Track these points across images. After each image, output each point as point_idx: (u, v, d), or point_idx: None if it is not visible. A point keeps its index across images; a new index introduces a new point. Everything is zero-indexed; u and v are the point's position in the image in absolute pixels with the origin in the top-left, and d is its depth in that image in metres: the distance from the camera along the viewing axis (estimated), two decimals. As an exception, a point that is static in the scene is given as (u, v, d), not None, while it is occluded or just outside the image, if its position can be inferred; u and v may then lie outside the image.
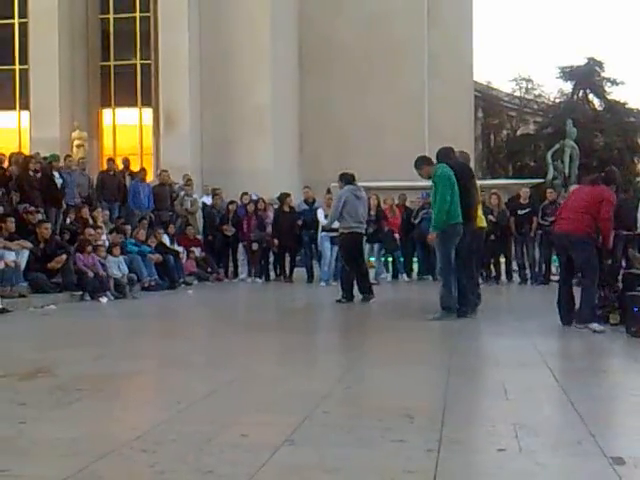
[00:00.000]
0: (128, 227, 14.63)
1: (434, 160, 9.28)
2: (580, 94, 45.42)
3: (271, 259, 16.80)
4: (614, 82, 45.30)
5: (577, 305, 8.27)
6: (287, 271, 16.49)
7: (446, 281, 8.87)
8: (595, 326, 7.82)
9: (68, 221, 14.19)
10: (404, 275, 16.78)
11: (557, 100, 47.12)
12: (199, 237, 17.08)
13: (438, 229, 8.80)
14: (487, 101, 45.19)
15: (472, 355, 6.64)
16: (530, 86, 48.80)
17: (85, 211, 14.20)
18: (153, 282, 13.70)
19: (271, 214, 16.66)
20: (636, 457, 3.34)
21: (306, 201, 16.70)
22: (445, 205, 8.71)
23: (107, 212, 15.21)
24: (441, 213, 8.73)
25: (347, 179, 11.53)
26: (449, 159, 9.19)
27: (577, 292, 8.33)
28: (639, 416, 4.25)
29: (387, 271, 16.92)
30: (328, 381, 5.09)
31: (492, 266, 16.08)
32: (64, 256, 11.80)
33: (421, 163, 9.25)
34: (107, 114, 28.50)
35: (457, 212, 8.82)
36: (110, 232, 14.28)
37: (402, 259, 16.80)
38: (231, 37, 26.53)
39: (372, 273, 15.82)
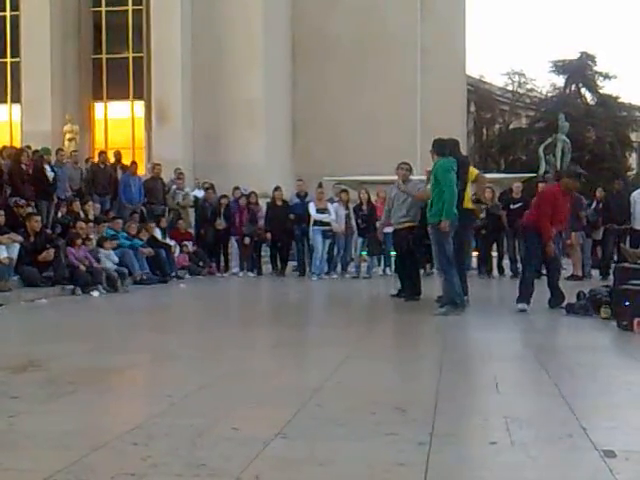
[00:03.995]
0: (120, 221, 14.59)
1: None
2: (572, 88, 45.51)
3: (267, 253, 16.77)
4: (606, 76, 45.42)
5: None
6: (279, 265, 16.49)
7: (448, 275, 8.79)
8: (519, 306, 8.89)
9: (60, 215, 14.15)
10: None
11: (549, 94, 47.20)
12: (191, 231, 17.05)
13: (449, 218, 8.71)
14: (479, 95, 45.23)
15: (464, 349, 6.66)
16: (522, 80, 48.93)
17: (76, 204, 14.17)
18: (145, 276, 13.67)
19: (263, 208, 16.65)
20: (627, 450, 3.35)
21: (298, 194, 16.69)
22: (453, 197, 8.67)
23: (98, 205, 15.18)
24: (451, 204, 8.68)
25: None
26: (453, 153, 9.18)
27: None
28: (630, 409, 4.27)
29: (378, 264, 16.84)
30: (320, 375, 5.09)
31: (484, 260, 16.13)
32: (52, 251, 11.75)
33: (437, 148, 9.09)
34: (99, 107, 28.41)
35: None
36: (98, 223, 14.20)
37: (393, 252, 16.65)
38: (223, 30, 26.47)
39: (364, 267, 15.86)
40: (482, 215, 13.91)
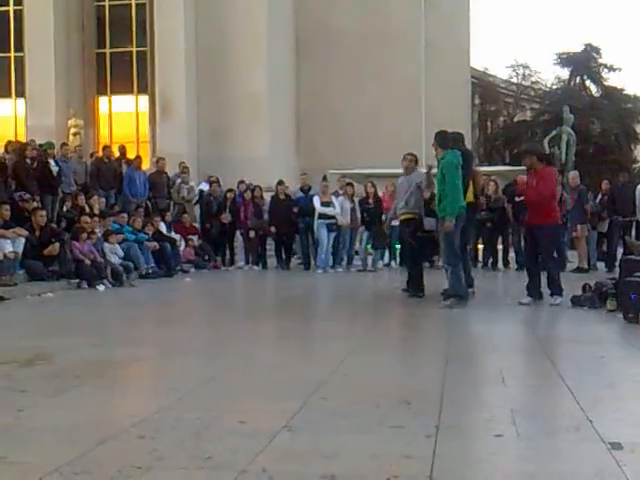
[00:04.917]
0: (125, 215, 14.60)
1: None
2: (577, 80, 45.31)
3: (271, 247, 16.74)
4: (611, 68, 45.17)
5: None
6: (284, 258, 16.47)
7: (455, 269, 8.80)
8: (522, 300, 8.99)
9: (65, 209, 14.16)
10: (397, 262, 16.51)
11: (554, 86, 46.97)
12: (195, 225, 17.05)
13: (453, 216, 8.70)
14: (484, 88, 45.04)
15: (469, 341, 6.66)
16: (527, 73, 48.63)
17: (81, 199, 14.16)
18: (150, 270, 13.69)
19: (268, 202, 16.61)
20: (633, 442, 3.35)
21: (302, 188, 16.66)
22: (458, 193, 8.66)
23: (103, 200, 15.18)
24: (455, 200, 8.66)
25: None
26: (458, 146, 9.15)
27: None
28: (637, 401, 4.26)
29: (382, 258, 16.76)
30: (326, 368, 5.10)
31: (489, 252, 16.10)
32: (57, 245, 11.77)
33: (439, 140, 9.03)
34: (103, 101, 28.43)
35: (461, 199, 8.80)
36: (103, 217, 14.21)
37: (398, 246, 16.61)
38: (227, 24, 26.43)
39: (369, 260, 15.84)
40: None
